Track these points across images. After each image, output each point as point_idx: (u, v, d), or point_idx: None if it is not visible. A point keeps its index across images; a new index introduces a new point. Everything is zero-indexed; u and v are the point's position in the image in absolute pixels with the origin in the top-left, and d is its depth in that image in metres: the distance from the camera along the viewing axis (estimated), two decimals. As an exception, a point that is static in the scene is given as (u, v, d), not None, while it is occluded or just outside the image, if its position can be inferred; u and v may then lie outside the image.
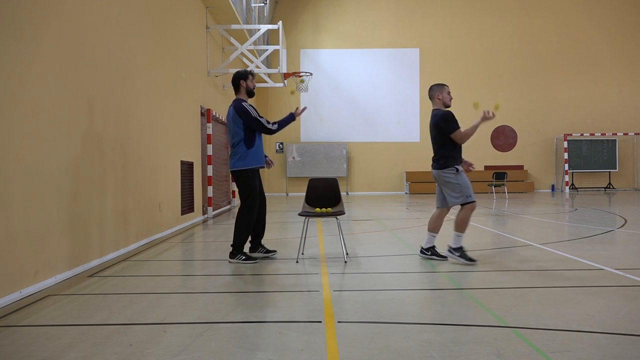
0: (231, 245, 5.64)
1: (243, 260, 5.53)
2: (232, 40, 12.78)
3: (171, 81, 8.81)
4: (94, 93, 5.61)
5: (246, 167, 5.60)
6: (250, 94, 5.82)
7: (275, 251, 5.97)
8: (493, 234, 8.11)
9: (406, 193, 20.96)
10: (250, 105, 5.65)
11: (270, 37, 19.45)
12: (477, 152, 20.79)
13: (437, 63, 21.31)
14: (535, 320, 3.36)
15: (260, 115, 5.67)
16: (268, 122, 5.64)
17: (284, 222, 10.19)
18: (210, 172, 11.35)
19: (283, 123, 5.74)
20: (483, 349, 2.85)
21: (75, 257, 5.12)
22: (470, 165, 5.59)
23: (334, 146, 21.04)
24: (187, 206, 9.82)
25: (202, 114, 11.16)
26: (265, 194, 5.95)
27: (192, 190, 10.20)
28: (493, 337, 3.06)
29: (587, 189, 21.37)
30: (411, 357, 2.76)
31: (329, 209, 5.92)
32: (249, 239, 5.83)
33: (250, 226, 5.65)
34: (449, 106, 5.63)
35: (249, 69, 5.88)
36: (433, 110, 5.66)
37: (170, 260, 6.15)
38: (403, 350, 2.87)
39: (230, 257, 5.60)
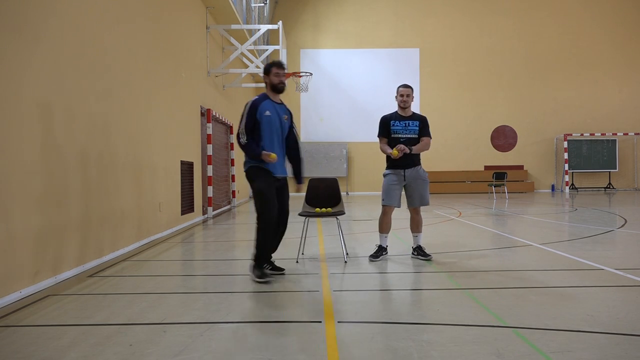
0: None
1: (256, 277, 4.68)
2: (232, 40, 12.78)
3: (171, 81, 8.81)
4: (94, 93, 5.61)
5: (247, 165, 4.91)
6: (275, 88, 4.92)
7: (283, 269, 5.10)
8: (493, 234, 8.11)
9: (406, 193, 20.96)
10: (254, 107, 4.78)
11: (270, 37, 19.45)
12: (477, 152, 20.89)
13: (437, 63, 21.32)
14: (535, 320, 3.36)
15: (250, 126, 4.76)
16: (242, 136, 4.76)
17: (284, 222, 10.18)
18: (210, 172, 11.35)
19: (249, 149, 4.78)
20: (483, 349, 2.85)
21: (75, 257, 5.12)
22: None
23: (333, 146, 21.03)
24: (187, 206, 9.82)
25: (202, 114, 11.16)
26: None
27: (192, 190, 10.20)
28: (493, 337, 3.06)
29: (587, 189, 21.37)
30: (411, 357, 2.76)
31: (329, 209, 5.92)
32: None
33: (266, 237, 4.75)
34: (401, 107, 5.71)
35: (277, 60, 5.03)
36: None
37: (170, 260, 6.15)
38: (403, 350, 2.87)
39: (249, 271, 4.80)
